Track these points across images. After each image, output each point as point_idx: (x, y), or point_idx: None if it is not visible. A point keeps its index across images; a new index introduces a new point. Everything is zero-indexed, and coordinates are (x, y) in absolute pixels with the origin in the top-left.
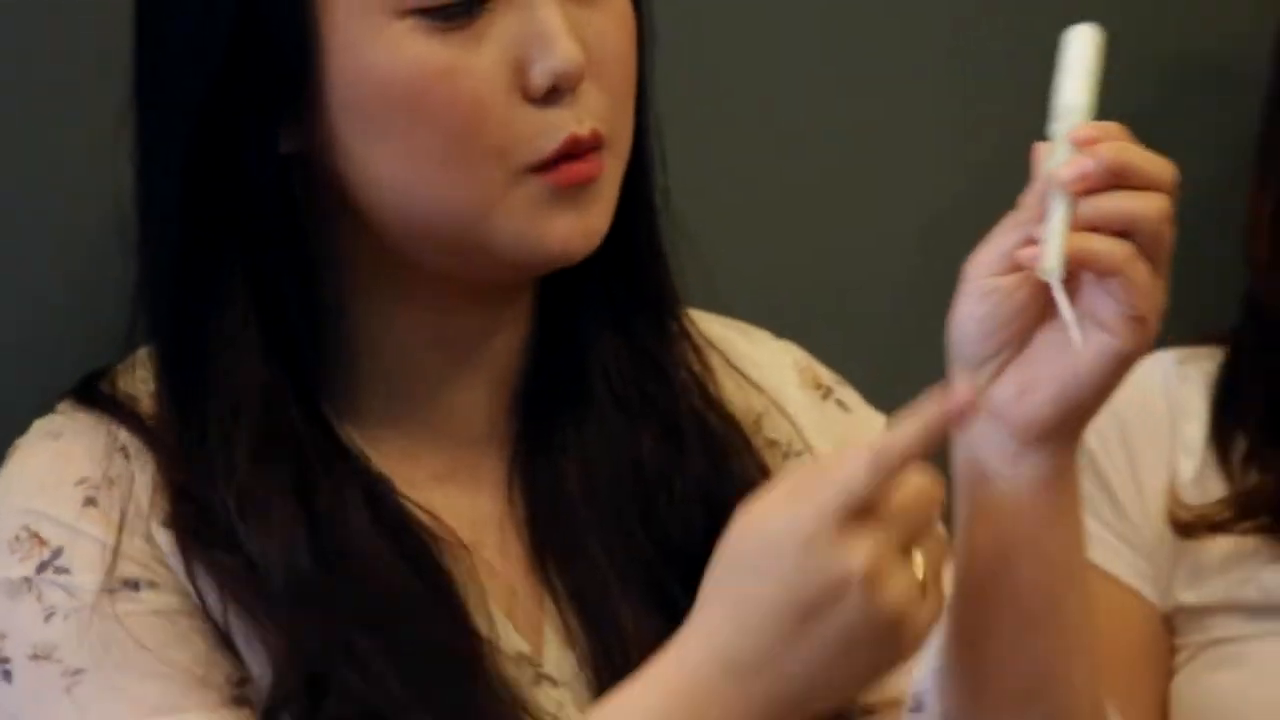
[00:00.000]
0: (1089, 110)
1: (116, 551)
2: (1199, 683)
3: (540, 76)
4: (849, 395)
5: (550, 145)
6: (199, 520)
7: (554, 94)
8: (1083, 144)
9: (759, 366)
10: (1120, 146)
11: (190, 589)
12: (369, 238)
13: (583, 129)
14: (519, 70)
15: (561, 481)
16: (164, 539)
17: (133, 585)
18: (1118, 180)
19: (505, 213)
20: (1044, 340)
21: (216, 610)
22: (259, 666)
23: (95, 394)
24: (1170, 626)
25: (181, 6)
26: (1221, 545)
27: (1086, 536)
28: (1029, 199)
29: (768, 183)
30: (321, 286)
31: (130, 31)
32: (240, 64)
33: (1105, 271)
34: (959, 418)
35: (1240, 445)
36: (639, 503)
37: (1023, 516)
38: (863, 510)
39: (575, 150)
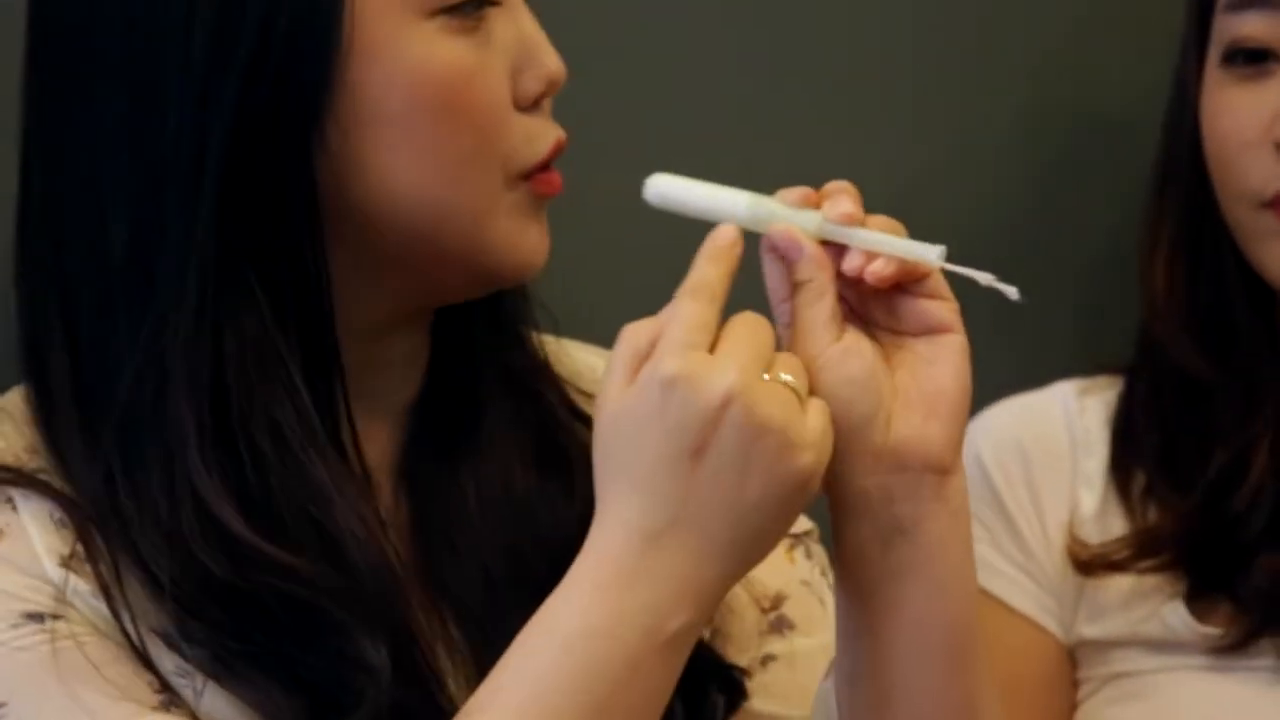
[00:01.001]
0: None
1: (12, 593)
2: (1101, 716)
3: (533, 83)
4: None
5: (543, 150)
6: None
7: (538, 101)
8: (808, 199)
9: None
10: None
11: (105, 615)
12: (354, 260)
13: (561, 134)
14: (512, 76)
15: (454, 506)
16: (61, 579)
17: (38, 619)
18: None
19: (497, 220)
20: (900, 367)
21: (131, 629)
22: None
23: None
24: (1073, 659)
25: (196, 15)
26: (1122, 582)
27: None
28: (811, 270)
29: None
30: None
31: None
32: (263, 76)
33: (923, 274)
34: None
35: (1139, 480)
36: (528, 526)
37: (918, 548)
38: (706, 342)
39: (559, 155)
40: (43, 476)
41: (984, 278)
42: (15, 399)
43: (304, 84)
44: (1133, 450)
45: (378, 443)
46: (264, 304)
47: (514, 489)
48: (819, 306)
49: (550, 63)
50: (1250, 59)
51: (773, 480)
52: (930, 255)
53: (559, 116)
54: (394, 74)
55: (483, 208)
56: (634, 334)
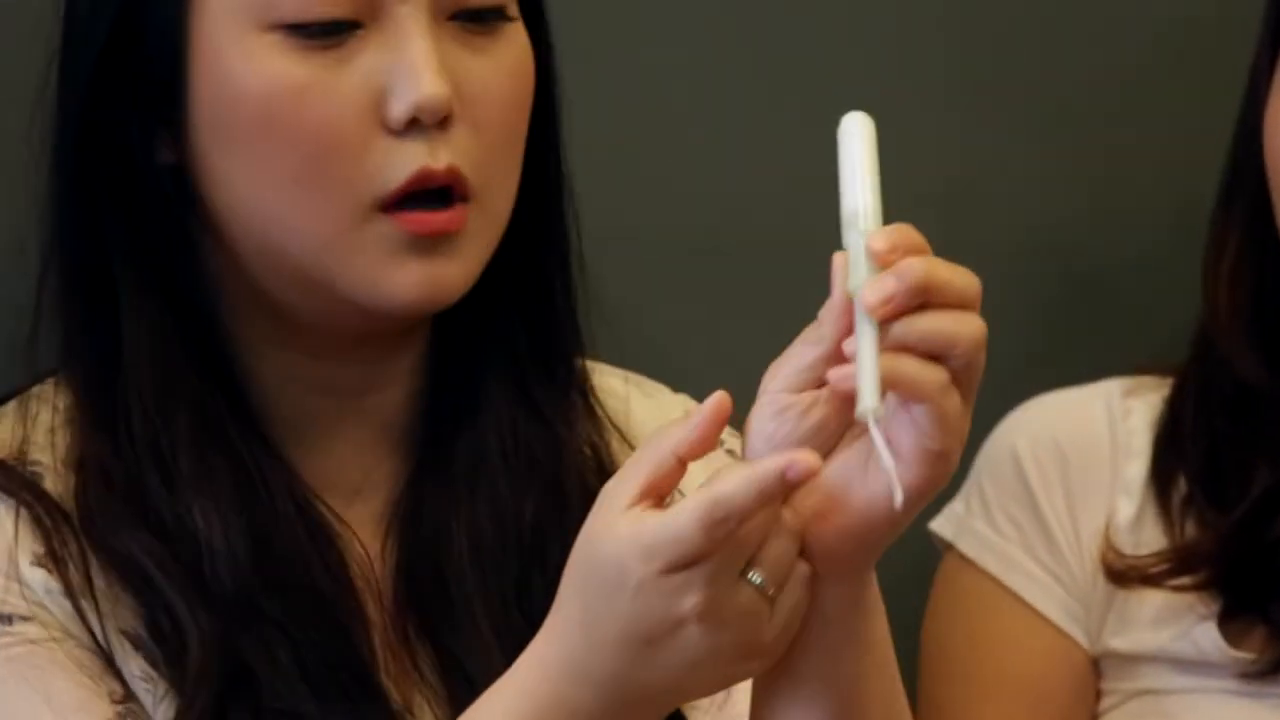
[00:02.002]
0: (876, 212)
1: None
2: None
3: (399, 107)
4: (740, 445)
5: (397, 178)
6: (116, 514)
7: (413, 127)
8: (881, 258)
9: (646, 422)
10: (925, 263)
11: (73, 615)
12: (238, 269)
13: (437, 163)
14: (381, 100)
15: (445, 547)
16: (36, 578)
17: (5, 620)
18: (925, 299)
19: (353, 251)
20: (842, 462)
21: (98, 629)
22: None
23: None
24: (1097, 669)
25: (74, 7)
26: (1154, 597)
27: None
28: (827, 313)
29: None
30: (216, 310)
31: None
32: (116, 66)
33: (915, 399)
34: (796, 483)
35: (1180, 489)
36: (517, 572)
37: (810, 645)
38: (693, 558)
39: (424, 185)
40: (34, 469)
41: (887, 460)
42: (49, 390)
43: (148, 82)
44: (1176, 457)
45: (373, 469)
46: (142, 306)
47: (505, 535)
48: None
49: (420, 88)
50: None
51: (718, 677)
52: (863, 405)
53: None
54: (224, 83)
55: (329, 232)
56: (658, 461)
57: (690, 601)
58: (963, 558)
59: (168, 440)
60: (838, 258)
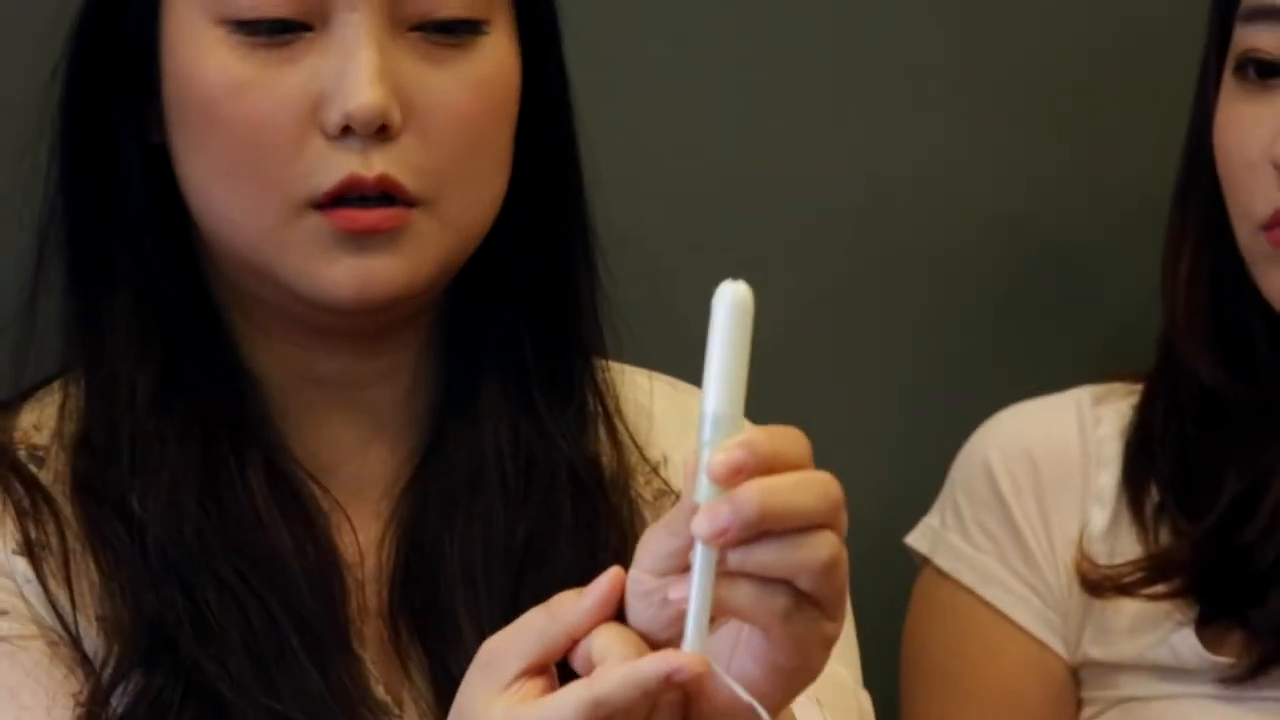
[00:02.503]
0: (734, 417)
1: None
2: None
3: (332, 114)
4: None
5: (327, 181)
6: (96, 487)
7: (348, 134)
8: (724, 479)
9: (668, 411)
10: (762, 493)
11: (44, 604)
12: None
13: (369, 172)
14: (319, 104)
15: (439, 556)
16: (17, 567)
17: None
18: (763, 528)
19: (286, 245)
20: (713, 641)
21: (71, 620)
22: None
23: None
24: (1077, 678)
25: None
26: (1131, 605)
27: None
28: (679, 515)
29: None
30: (207, 285)
31: None
32: (100, 41)
33: (754, 625)
34: (680, 683)
35: (1153, 496)
36: (507, 589)
37: None
38: None
39: (353, 191)
40: (37, 454)
41: (738, 690)
42: (68, 379)
43: (129, 58)
44: (1147, 465)
45: (371, 462)
46: (140, 292)
47: (496, 548)
48: None
49: (354, 97)
50: (1261, 72)
51: None
52: (687, 646)
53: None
54: (178, 70)
55: (263, 226)
56: (549, 640)
57: None
58: (939, 571)
59: (156, 422)
60: (689, 459)
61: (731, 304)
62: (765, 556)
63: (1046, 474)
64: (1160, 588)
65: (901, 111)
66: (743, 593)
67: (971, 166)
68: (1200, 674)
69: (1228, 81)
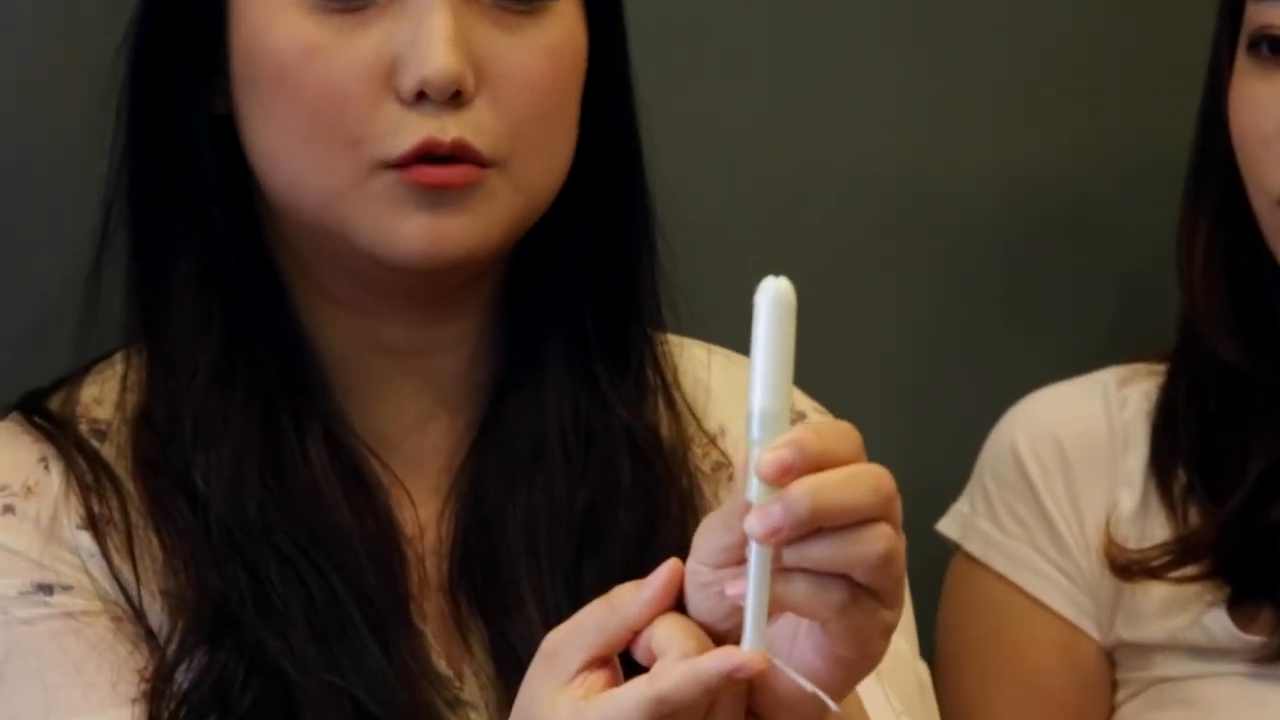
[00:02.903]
0: (781, 415)
1: (30, 558)
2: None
3: (407, 80)
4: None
5: (403, 145)
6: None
7: (423, 99)
8: (771, 483)
9: (725, 385)
10: (813, 492)
11: (109, 578)
12: (281, 224)
13: (444, 136)
14: (393, 69)
15: (500, 527)
16: (82, 541)
17: (45, 589)
18: (816, 525)
19: (359, 204)
20: (774, 630)
21: (135, 594)
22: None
23: (30, 404)
24: (1112, 661)
25: None
26: (1162, 588)
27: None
28: (731, 514)
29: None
30: (270, 255)
31: None
32: (169, 10)
33: (812, 619)
34: (740, 679)
35: (1180, 478)
36: (569, 560)
37: None
38: None
39: (430, 153)
40: (98, 428)
41: (801, 682)
42: (131, 353)
43: (197, 27)
44: (1173, 446)
45: (432, 432)
46: (204, 263)
47: (558, 520)
48: None
49: (429, 63)
50: (1274, 49)
51: None
52: (747, 645)
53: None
54: (250, 36)
55: (335, 189)
56: (609, 634)
57: None
58: (970, 557)
59: (218, 397)
60: (741, 453)
61: (774, 300)
62: (820, 552)
63: (1074, 458)
64: (1189, 570)
65: (913, 81)
66: (799, 588)
67: (979, 133)
68: (1233, 653)
69: (1241, 59)
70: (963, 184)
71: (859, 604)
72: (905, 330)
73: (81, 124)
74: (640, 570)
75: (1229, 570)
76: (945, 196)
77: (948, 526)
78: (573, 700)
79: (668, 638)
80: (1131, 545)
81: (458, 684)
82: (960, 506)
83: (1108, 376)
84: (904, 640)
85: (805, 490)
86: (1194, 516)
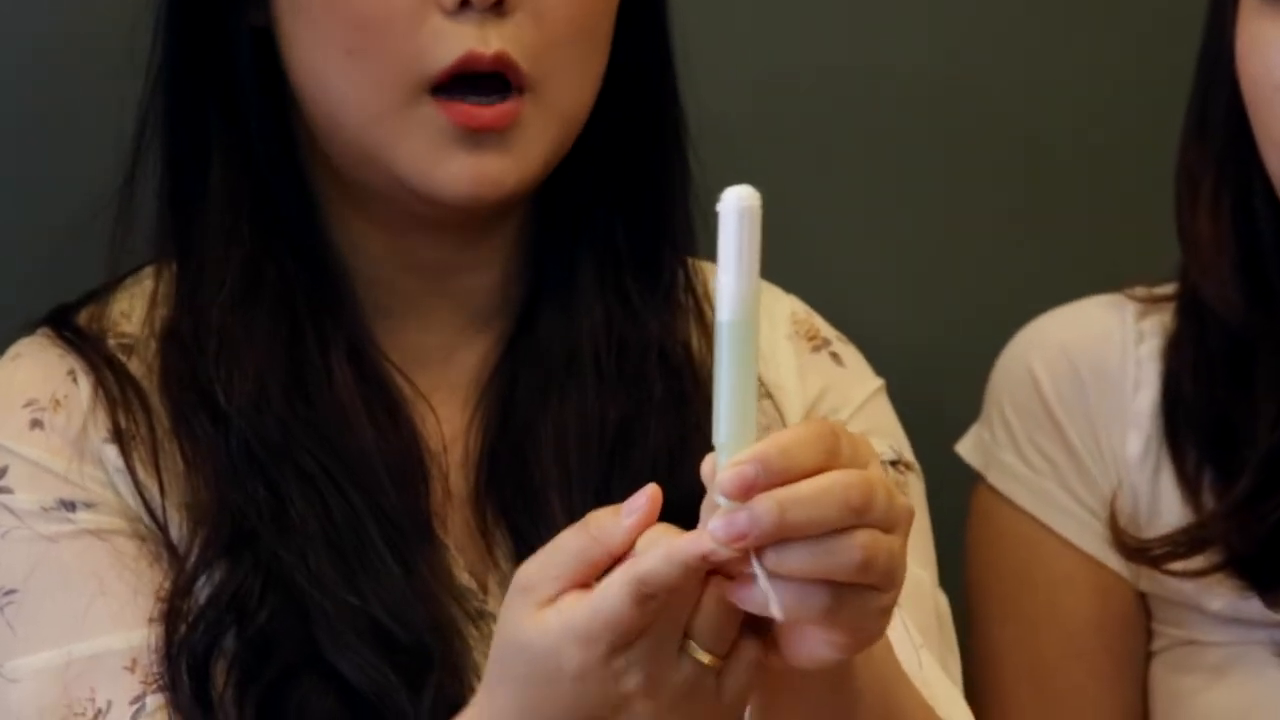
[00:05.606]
0: (745, 434)
1: (56, 473)
2: (1172, 684)
3: None
4: (848, 352)
5: (446, 57)
6: (187, 380)
7: (465, 9)
8: (736, 496)
9: None
10: (780, 503)
11: (133, 492)
12: (317, 141)
13: (486, 48)
14: None
15: (530, 438)
16: (109, 454)
17: (69, 506)
18: (784, 537)
19: (402, 132)
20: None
21: (155, 500)
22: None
23: (58, 319)
24: (1146, 608)
25: None
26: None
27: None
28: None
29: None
30: (304, 171)
31: None
32: None
33: (801, 623)
34: (720, 563)
35: (1191, 456)
36: (598, 473)
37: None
38: (630, 637)
39: (472, 67)
40: (124, 342)
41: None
42: (161, 268)
43: None
44: (1182, 421)
45: (461, 348)
46: (236, 177)
47: (589, 435)
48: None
49: None
50: None
51: None
52: (771, 606)
53: None
54: None
55: (379, 109)
56: (589, 558)
57: (634, 680)
58: (995, 491)
59: (244, 312)
60: (708, 460)
61: (738, 317)
62: (796, 560)
63: (1092, 391)
64: (1198, 562)
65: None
66: (784, 595)
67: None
68: (1260, 626)
69: (1247, 3)
70: (984, 83)
71: (847, 601)
72: (923, 227)
73: (112, 33)
74: (669, 486)
75: (1242, 565)
76: (966, 95)
77: (968, 452)
78: (556, 609)
79: (652, 539)
80: (1143, 502)
81: (481, 595)
82: (981, 432)
83: (1127, 307)
84: (923, 570)
85: (772, 505)
86: (1208, 497)
